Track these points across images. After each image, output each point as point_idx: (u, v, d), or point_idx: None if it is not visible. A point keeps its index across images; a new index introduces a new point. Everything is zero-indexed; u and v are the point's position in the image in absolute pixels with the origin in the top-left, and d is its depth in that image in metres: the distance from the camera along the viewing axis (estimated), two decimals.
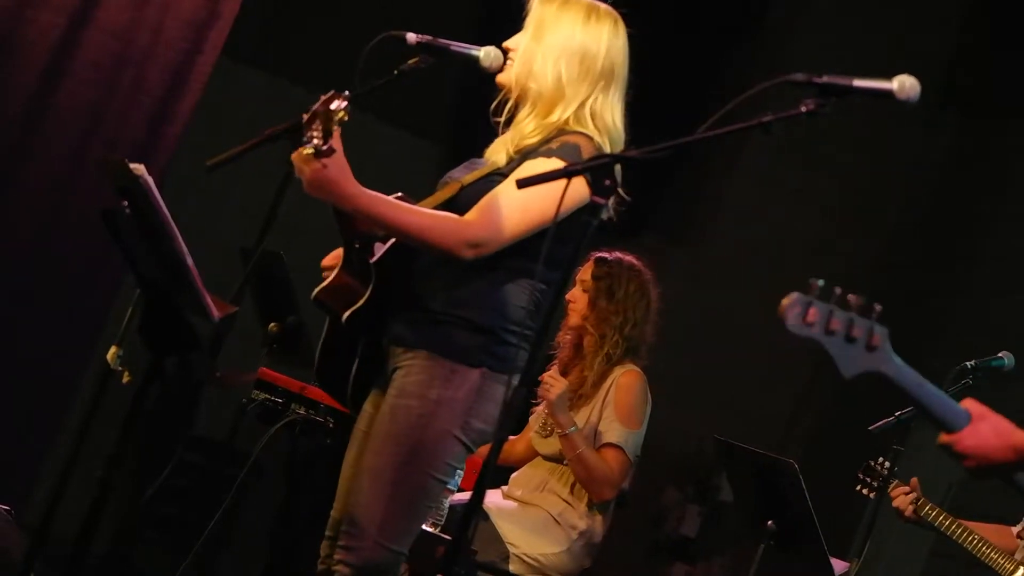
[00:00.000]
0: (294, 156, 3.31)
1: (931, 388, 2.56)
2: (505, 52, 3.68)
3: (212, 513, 4.95)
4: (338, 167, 3.30)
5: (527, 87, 3.62)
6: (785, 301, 2.36)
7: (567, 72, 3.59)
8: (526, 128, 3.60)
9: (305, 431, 5.47)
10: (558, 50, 3.60)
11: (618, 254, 5.28)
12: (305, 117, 3.20)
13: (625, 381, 5.18)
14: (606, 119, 3.62)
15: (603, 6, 3.68)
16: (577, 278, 5.28)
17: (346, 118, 3.17)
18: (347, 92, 3.19)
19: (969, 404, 2.63)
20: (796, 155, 7.66)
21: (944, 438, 2.59)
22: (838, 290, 2.40)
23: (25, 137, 5.73)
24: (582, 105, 3.60)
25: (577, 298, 5.27)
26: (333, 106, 3.16)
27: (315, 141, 3.17)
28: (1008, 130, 7.75)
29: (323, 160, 3.24)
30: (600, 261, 5.27)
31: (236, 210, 6.36)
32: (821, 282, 2.39)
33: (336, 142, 3.22)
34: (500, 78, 3.68)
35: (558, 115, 3.58)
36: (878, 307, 2.43)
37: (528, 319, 3.52)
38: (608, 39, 3.64)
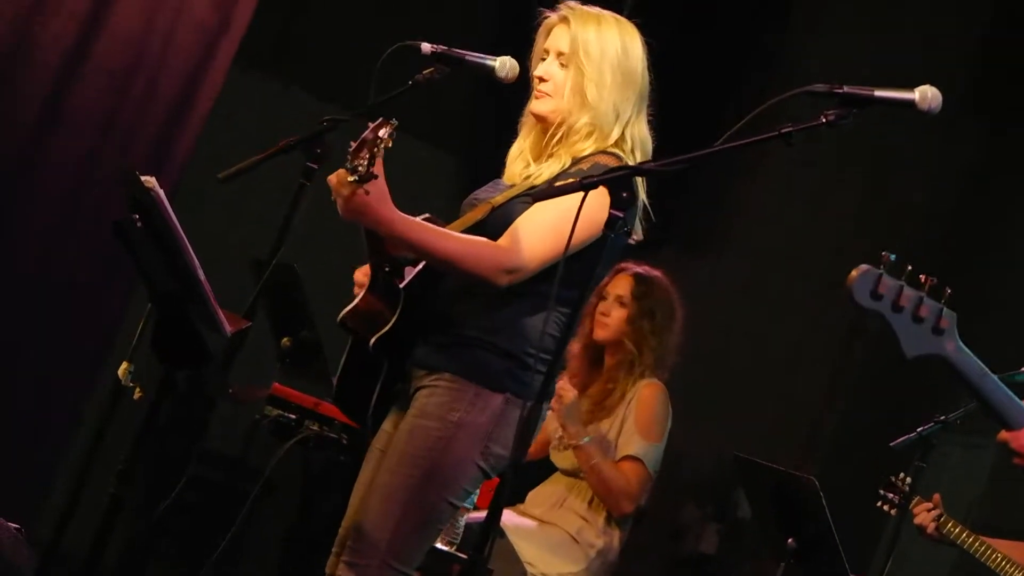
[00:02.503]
0: (331, 179, 3.27)
1: (994, 381, 2.48)
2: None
3: (224, 529, 4.90)
4: (379, 192, 3.27)
5: (577, 118, 3.55)
6: (854, 272, 2.29)
7: (619, 96, 3.55)
8: (581, 155, 3.53)
9: (318, 447, 5.43)
10: (608, 75, 3.54)
11: (651, 270, 5.25)
12: (353, 144, 3.16)
13: (647, 394, 5.14)
14: (642, 132, 3.59)
15: (625, 20, 3.63)
16: (609, 291, 5.23)
17: (391, 144, 3.14)
18: (394, 120, 3.16)
19: None
20: (816, 164, 7.59)
21: (1003, 434, 2.53)
22: (909, 267, 2.33)
23: (36, 144, 5.68)
24: (627, 124, 3.56)
25: (610, 311, 5.21)
26: (382, 133, 3.13)
27: (360, 169, 3.13)
28: None
29: (365, 186, 3.19)
30: (640, 279, 5.23)
31: (249, 222, 6.30)
32: (893, 256, 2.32)
33: (378, 167, 3.18)
34: (540, 111, 3.60)
35: (614, 137, 3.54)
36: (948, 290, 2.36)
37: (551, 343, 3.44)
38: (642, 56, 3.61)
